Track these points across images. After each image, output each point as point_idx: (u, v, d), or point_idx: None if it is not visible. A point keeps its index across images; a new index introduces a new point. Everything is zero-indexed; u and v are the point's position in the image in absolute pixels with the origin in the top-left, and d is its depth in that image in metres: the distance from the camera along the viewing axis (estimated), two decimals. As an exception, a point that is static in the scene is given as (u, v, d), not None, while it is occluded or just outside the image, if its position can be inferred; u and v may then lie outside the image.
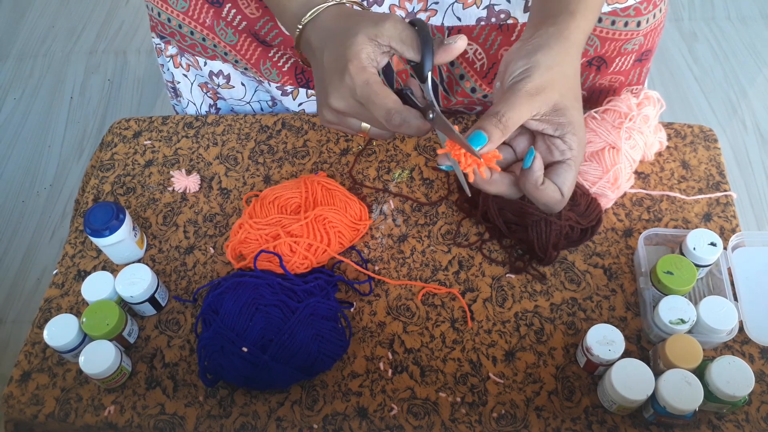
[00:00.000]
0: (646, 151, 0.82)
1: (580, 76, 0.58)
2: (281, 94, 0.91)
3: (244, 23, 0.83)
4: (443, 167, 0.56)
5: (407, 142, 0.89)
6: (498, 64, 0.82)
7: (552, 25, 0.57)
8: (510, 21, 0.78)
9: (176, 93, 0.98)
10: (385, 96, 0.55)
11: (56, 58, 2.22)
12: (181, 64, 0.93)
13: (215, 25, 0.84)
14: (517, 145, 0.58)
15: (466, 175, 0.55)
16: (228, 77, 0.92)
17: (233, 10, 0.82)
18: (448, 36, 0.80)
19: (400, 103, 0.56)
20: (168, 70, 0.96)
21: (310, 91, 0.92)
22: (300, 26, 0.61)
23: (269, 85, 0.91)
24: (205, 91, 0.96)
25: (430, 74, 0.57)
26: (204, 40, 0.86)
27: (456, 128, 0.55)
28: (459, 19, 0.78)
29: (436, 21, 0.79)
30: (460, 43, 0.58)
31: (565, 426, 0.66)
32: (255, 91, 0.95)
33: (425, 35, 0.57)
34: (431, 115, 0.56)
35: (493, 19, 0.78)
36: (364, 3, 0.76)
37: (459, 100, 0.89)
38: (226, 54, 0.87)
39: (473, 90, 0.86)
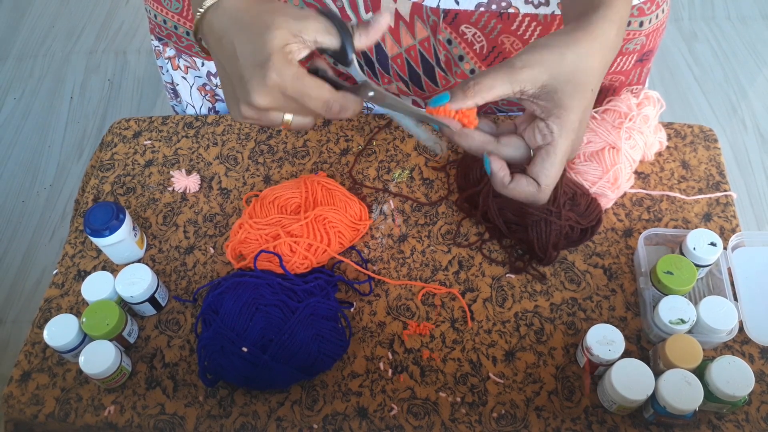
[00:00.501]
0: (646, 151, 0.82)
1: (597, 68, 0.56)
2: None
3: None
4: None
5: (407, 142, 0.89)
6: (498, 48, 0.81)
7: (573, 22, 0.57)
8: (511, 10, 0.77)
9: (176, 94, 0.98)
10: (319, 87, 0.54)
11: (56, 58, 2.22)
12: (179, 66, 0.93)
13: None
14: (522, 133, 0.58)
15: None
16: None
17: None
18: (443, 18, 0.79)
19: (334, 91, 0.55)
20: (167, 71, 0.96)
21: None
22: (201, 9, 0.58)
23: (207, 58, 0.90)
24: (203, 93, 0.96)
25: (354, 56, 0.57)
26: None
27: (397, 98, 0.56)
28: (457, 2, 0.77)
29: (431, 3, 0.77)
30: (383, 20, 0.57)
31: (565, 426, 0.66)
32: None
33: (339, 21, 0.56)
34: (370, 93, 0.57)
35: (494, 6, 0.76)
36: None
37: (459, 82, 0.87)
38: None
39: (473, 72, 0.85)
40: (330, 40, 0.56)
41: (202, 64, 0.91)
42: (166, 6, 0.83)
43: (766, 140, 1.78)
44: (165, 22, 0.85)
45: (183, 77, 0.95)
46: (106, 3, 2.38)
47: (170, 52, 0.92)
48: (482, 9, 0.77)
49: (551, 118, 0.55)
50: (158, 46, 0.93)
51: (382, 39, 0.83)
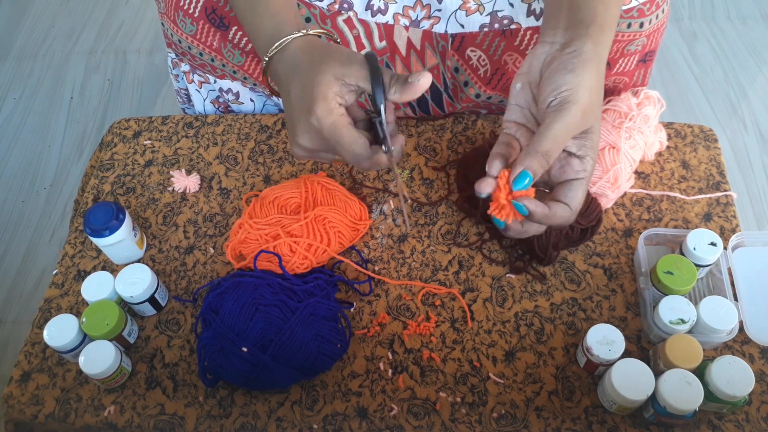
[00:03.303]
0: (646, 151, 0.82)
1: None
2: None
3: (251, 44, 0.84)
4: (483, 195, 0.58)
5: (407, 142, 0.89)
6: (501, 70, 0.82)
7: (586, 37, 0.57)
8: (513, 26, 0.78)
9: (188, 99, 0.99)
10: (352, 141, 0.57)
11: (56, 58, 2.22)
12: (193, 80, 0.95)
13: (222, 47, 0.85)
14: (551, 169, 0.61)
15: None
16: (237, 94, 0.94)
17: (239, 33, 0.83)
18: (451, 44, 0.80)
19: (367, 145, 0.57)
20: (182, 79, 0.97)
21: None
22: (267, 57, 0.62)
23: (278, 98, 0.92)
24: (217, 106, 0.97)
25: (383, 107, 0.58)
26: (213, 60, 0.87)
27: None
28: (462, 26, 0.79)
29: (439, 28, 0.80)
30: (424, 81, 0.59)
31: (565, 426, 0.66)
32: (264, 105, 0.97)
33: (375, 70, 0.58)
34: (386, 149, 0.59)
35: (497, 25, 0.78)
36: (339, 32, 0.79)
37: (464, 106, 0.89)
38: (234, 72, 0.89)
39: (477, 95, 0.87)
40: (369, 87, 0.58)
41: (215, 81, 0.92)
42: (182, 27, 0.84)
43: (766, 140, 1.78)
44: (180, 41, 0.86)
45: (197, 90, 0.96)
46: (105, 3, 2.38)
47: (185, 67, 0.93)
48: (486, 29, 0.78)
49: (587, 158, 0.56)
50: (175, 58, 0.94)
51: (393, 65, 0.85)
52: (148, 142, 0.93)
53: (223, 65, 0.88)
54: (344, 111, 0.59)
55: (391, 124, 0.61)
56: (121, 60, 2.20)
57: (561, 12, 0.61)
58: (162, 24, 0.89)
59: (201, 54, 0.87)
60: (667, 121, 0.88)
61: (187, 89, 0.98)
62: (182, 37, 0.85)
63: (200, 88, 0.95)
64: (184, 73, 0.94)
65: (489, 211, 0.58)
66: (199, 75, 0.93)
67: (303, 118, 0.58)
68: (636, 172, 0.83)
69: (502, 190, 0.57)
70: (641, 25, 0.78)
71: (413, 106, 0.92)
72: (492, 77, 0.84)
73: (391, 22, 0.80)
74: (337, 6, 0.79)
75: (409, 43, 0.82)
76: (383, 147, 0.60)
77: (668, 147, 0.86)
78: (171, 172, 0.88)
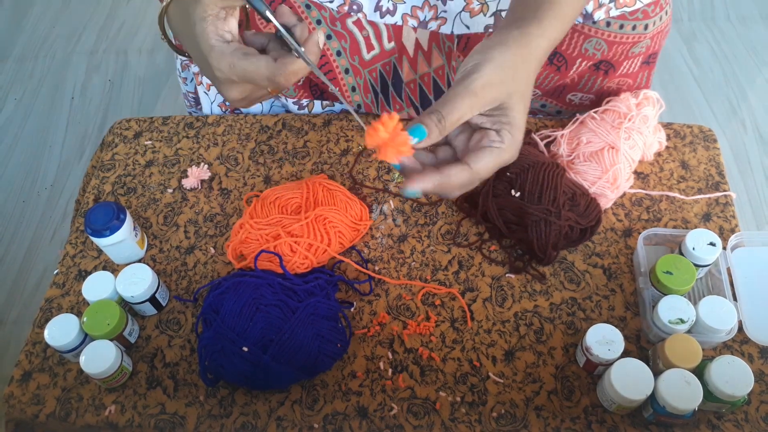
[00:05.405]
0: (645, 151, 0.82)
1: (532, 85, 0.58)
2: (297, 108, 0.94)
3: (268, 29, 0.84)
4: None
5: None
6: None
7: (517, 28, 0.58)
8: None
9: (196, 102, 0.99)
10: (256, 69, 0.57)
11: (57, 59, 2.22)
12: (202, 82, 0.94)
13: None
14: (455, 142, 0.59)
15: None
16: None
17: (257, 17, 0.83)
18: (457, 45, 0.81)
19: (271, 63, 0.57)
20: (191, 82, 0.97)
21: (325, 102, 0.93)
22: (163, 3, 0.62)
23: (285, 99, 0.92)
24: (224, 110, 0.97)
25: (268, 12, 0.57)
26: None
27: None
28: (467, 27, 0.79)
29: (446, 29, 0.80)
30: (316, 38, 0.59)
31: (564, 426, 0.66)
32: (271, 106, 0.97)
33: None
34: (300, 49, 0.57)
35: None
36: (353, 7, 0.79)
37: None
38: None
39: None
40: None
41: None
42: None
43: (765, 141, 1.78)
44: None
45: (205, 93, 0.96)
46: (106, 3, 2.38)
47: (195, 68, 0.93)
48: (491, 30, 0.78)
49: (503, 132, 0.56)
50: (185, 60, 0.94)
51: (400, 66, 0.86)
52: (149, 142, 0.93)
53: None
54: (237, 45, 0.59)
55: (297, 24, 0.60)
56: (122, 60, 2.20)
57: (508, 13, 0.63)
58: None
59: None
60: (667, 121, 0.88)
61: (195, 92, 0.98)
62: None
63: (208, 90, 0.95)
64: (195, 74, 0.94)
65: (376, 152, 0.57)
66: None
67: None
68: (635, 172, 0.84)
69: (381, 130, 0.56)
70: (646, 27, 0.78)
71: (416, 107, 0.92)
72: None
73: (399, 23, 0.80)
74: (346, 8, 0.80)
75: (417, 44, 0.83)
76: (294, 53, 0.58)
77: (667, 147, 0.86)
78: (187, 170, 0.87)
